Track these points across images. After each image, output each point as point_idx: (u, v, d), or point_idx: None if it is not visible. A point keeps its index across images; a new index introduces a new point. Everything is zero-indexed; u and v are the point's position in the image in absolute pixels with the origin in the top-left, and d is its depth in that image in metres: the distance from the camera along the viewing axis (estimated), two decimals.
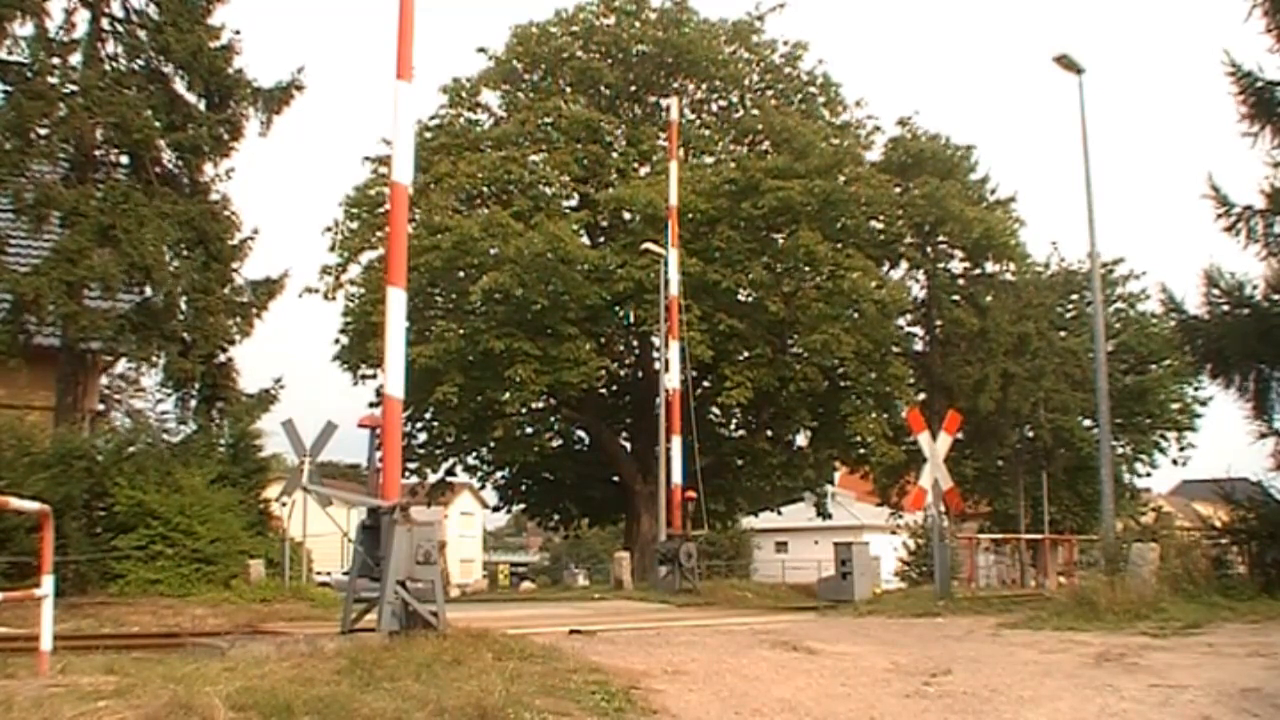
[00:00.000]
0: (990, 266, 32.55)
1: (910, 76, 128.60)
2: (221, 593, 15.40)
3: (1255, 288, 13.73)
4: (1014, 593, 22.24)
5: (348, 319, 32.07)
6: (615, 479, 34.79)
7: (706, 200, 29.98)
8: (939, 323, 32.74)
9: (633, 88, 34.66)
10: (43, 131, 16.59)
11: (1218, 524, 13.81)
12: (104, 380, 20.76)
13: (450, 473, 35.33)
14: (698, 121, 34.94)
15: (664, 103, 30.99)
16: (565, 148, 31.81)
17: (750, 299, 31.41)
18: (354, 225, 31.89)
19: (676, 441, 23.38)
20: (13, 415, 16.31)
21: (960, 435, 19.37)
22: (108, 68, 17.48)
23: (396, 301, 9.54)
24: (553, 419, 34.62)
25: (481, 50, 34.81)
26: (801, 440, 35.08)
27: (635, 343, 34.48)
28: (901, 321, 32.80)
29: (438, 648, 7.08)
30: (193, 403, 18.27)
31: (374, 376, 31.50)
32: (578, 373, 29.07)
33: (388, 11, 9.94)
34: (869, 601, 17.18)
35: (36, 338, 16.97)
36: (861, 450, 31.91)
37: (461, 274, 29.93)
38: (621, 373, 34.89)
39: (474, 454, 34.81)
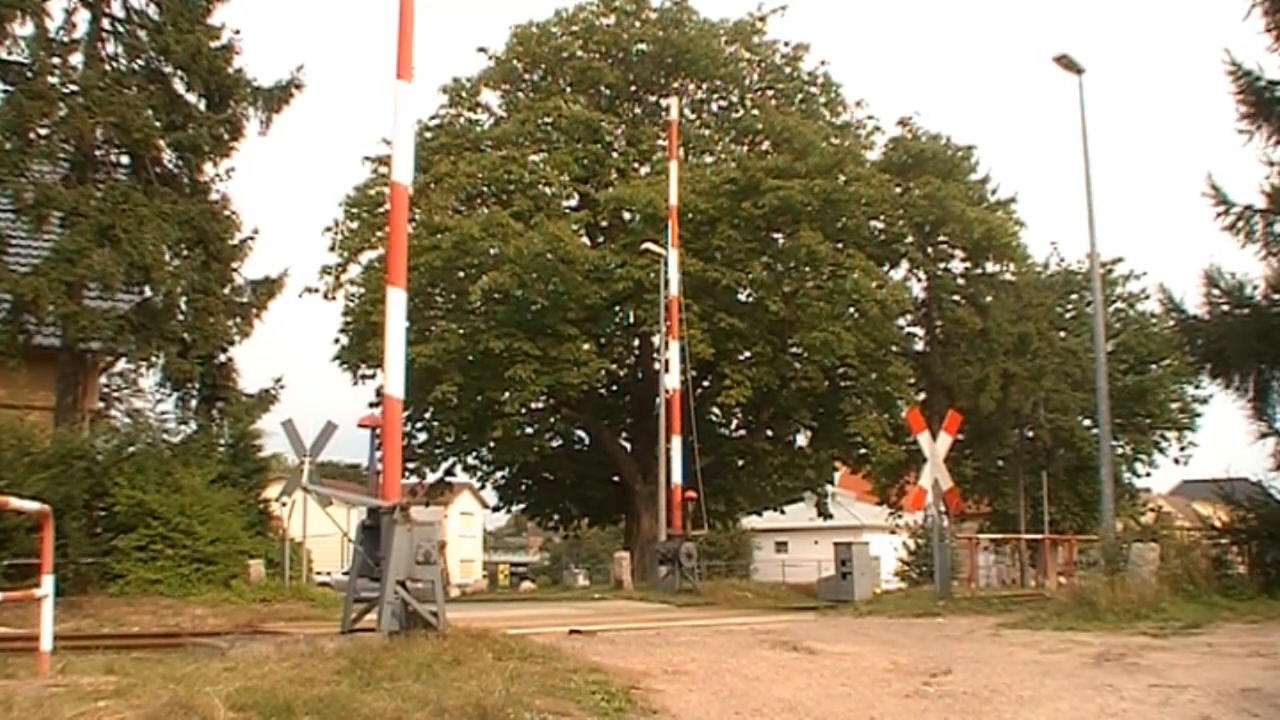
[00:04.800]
0: (990, 266, 32.55)
1: (910, 77, 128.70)
2: (221, 593, 15.40)
3: (1255, 288, 13.71)
4: (1014, 593, 22.21)
5: (348, 319, 32.09)
6: (615, 479, 34.78)
7: (706, 200, 29.98)
8: (939, 323, 32.73)
9: (633, 88, 34.66)
10: (43, 131, 16.60)
11: (1218, 524, 13.80)
12: (104, 380, 20.75)
13: (450, 472, 35.36)
14: (698, 121, 34.94)
15: (664, 102, 31.00)
16: (565, 148, 31.82)
17: (750, 298, 31.41)
18: (354, 225, 31.92)
19: (676, 441, 23.37)
20: (13, 415, 16.30)
21: (960, 435, 19.33)
22: (108, 68, 17.47)
23: (396, 301, 9.54)
24: (553, 419, 34.58)
25: (481, 50, 34.87)
26: (802, 440, 35.10)
27: (635, 343, 34.46)
28: (902, 321, 32.78)
29: (438, 648, 7.08)
30: (193, 403, 18.28)
31: (374, 376, 31.56)
32: (578, 373, 29.06)
33: (388, 11, 9.96)
34: (869, 601, 17.17)
35: (36, 338, 16.98)
36: (862, 450, 31.89)
37: (461, 274, 29.93)
38: (621, 373, 34.86)
39: (474, 454, 34.80)
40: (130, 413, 20.78)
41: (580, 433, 36.30)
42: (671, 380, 24.18)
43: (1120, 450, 34.83)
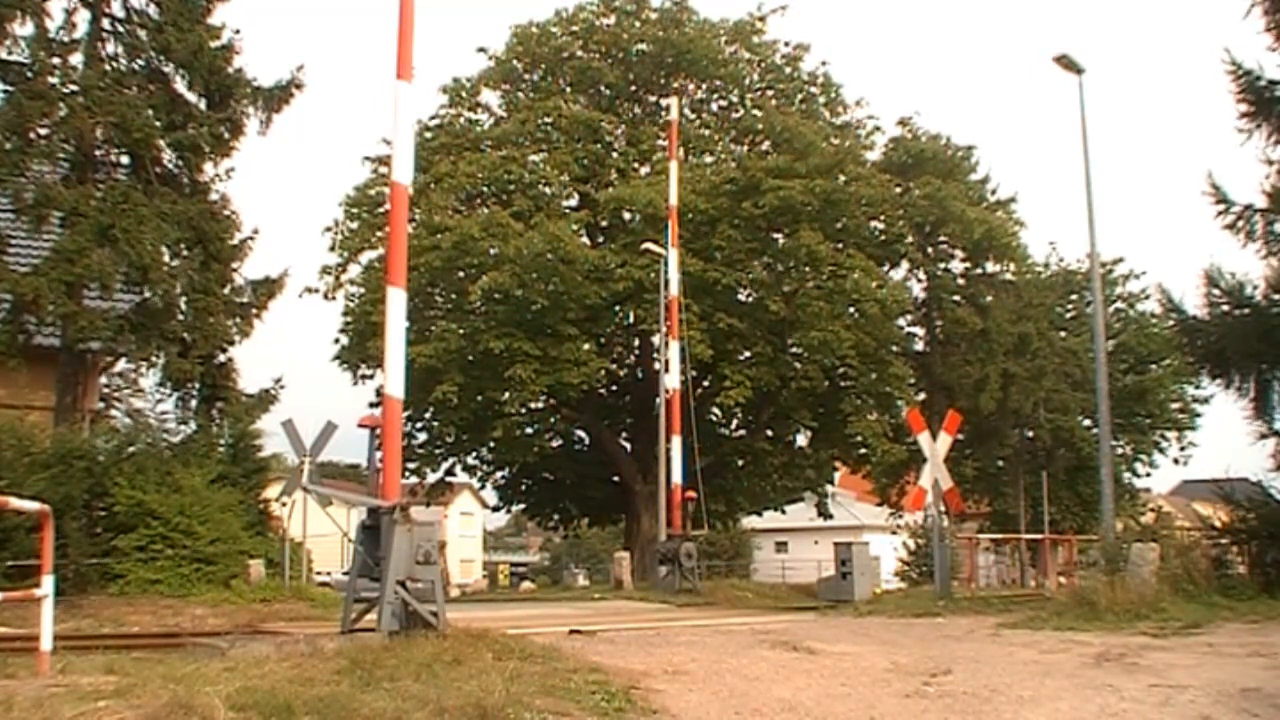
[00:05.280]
0: (990, 266, 32.55)
1: (910, 77, 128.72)
2: (221, 593, 15.40)
3: (1255, 288, 13.72)
4: (1014, 593, 22.23)
5: (348, 319, 32.09)
6: (615, 479, 34.78)
7: (706, 200, 29.98)
8: (939, 323, 32.73)
9: (633, 88, 34.66)
10: (43, 131, 16.60)
11: (1218, 524, 13.80)
12: (104, 380, 20.74)
13: (450, 473, 35.35)
14: (698, 121, 34.93)
15: (664, 102, 30.99)
16: (565, 148, 31.83)
17: (750, 298, 31.42)
18: (354, 225, 31.92)
19: (676, 441, 23.37)
20: (13, 415, 16.30)
21: (960, 435, 19.33)
22: (108, 68, 17.48)
23: (396, 301, 9.54)
24: (553, 419, 34.59)
25: (481, 50, 34.88)
26: (802, 440, 35.09)
27: (635, 343, 34.47)
28: (902, 321, 32.80)
29: (438, 648, 7.08)
30: (193, 403, 18.29)
31: (374, 376, 31.56)
32: (578, 373, 29.06)
33: (388, 11, 9.96)
34: (869, 601, 17.17)
35: (36, 338, 16.99)
36: (862, 450, 31.90)
37: (461, 274, 29.93)
38: (621, 373, 34.87)
39: (474, 454, 34.80)
40: (130, 413, 20.84)
41: (580, 433, 36.31)
42: (671, 380, 24.18)
43: (1120, 450, 34.82)
